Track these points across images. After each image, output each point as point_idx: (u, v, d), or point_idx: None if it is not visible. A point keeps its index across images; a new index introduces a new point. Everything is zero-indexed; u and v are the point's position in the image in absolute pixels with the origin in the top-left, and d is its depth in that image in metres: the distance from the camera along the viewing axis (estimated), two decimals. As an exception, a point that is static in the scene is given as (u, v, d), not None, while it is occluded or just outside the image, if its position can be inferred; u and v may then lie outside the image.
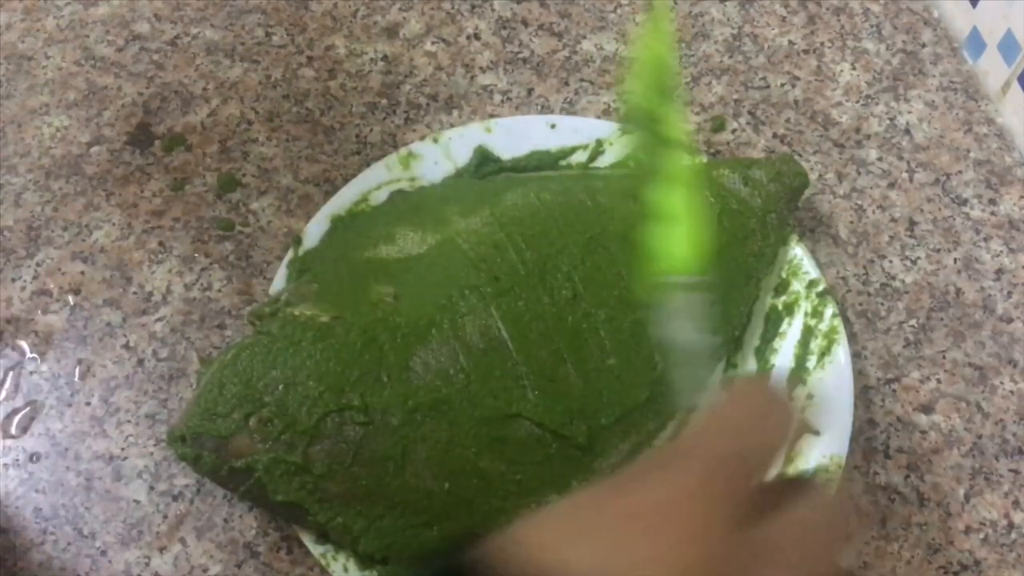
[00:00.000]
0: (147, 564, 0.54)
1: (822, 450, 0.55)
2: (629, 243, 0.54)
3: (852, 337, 0.61)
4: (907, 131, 0.70)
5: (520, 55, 0.73)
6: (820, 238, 0.65)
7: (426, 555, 0.52)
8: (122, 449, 0.57)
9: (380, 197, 0.63)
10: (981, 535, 0.56)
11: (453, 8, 0.75)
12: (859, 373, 0.60)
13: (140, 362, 0.60)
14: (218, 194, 0.66)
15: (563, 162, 0.65)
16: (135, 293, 0.62)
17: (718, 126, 0.69)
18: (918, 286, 0.64)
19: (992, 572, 0.55)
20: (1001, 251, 0.65)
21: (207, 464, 0.50)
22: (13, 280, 0.62)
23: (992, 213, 0.66)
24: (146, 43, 0.73)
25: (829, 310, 0.59)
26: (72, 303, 0.62)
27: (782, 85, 0.72)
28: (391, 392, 0.51)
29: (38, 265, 0.63)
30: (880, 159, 0.69)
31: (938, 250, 0.65)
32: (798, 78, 0.72)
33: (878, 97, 0.71)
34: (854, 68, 0.73)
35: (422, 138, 0.65)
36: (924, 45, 0.74)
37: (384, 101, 0.70)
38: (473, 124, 0.66)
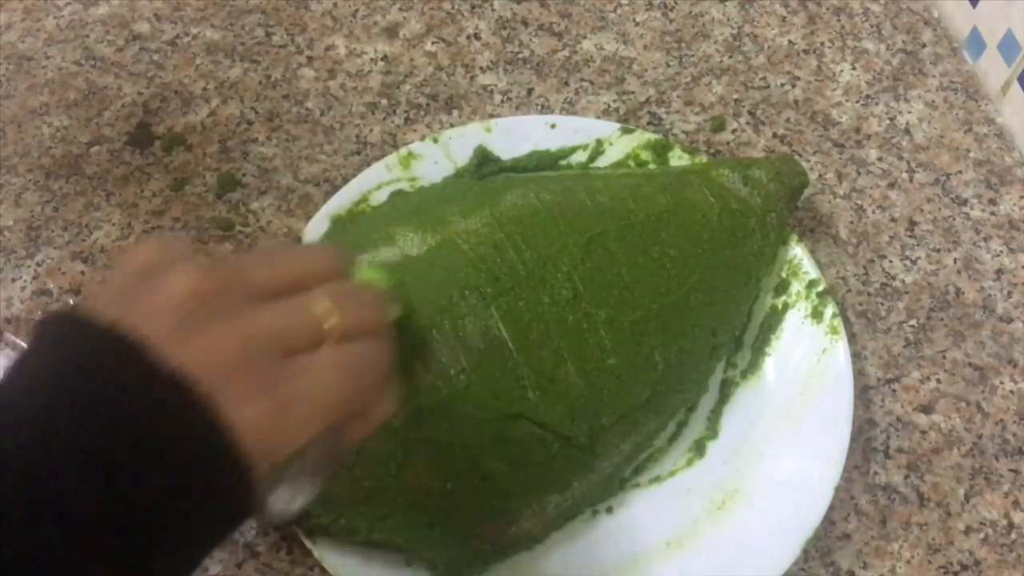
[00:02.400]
0: (147, 564, 0.54)
1: (822, 451, 0.55)
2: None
3: (852, 337, 0.61)
4: (907, 131, 0.70)
5: (520, 55, 0.73)
6: (820, 238, 0.65)
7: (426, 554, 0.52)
8: (122, 449, 0.57)
9: (380, 197, 0.63)
10: (981, 535, 0.56)
11: (453, 8, 0.75)
12: (859, 373, 0.60)
13: (140, 362, 0.60)
14: (218, 194, 0.66)
15: (563, 162, 0.65)
16: (135, 293, 0.62)
17: (718, 126, 0.69)
18: (918, 286, 0.64)
19: (992, 572, 0.55)
20: (1001, 251, 0.65)
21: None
22: (13, 280, 0.62)
23: (992, 213, 0.67)
24: (146, 43, 0.73)
25: (829, 310, 0.59)
26: (72, 303, 0.62)
27: (782, 85, 0.72)
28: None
29: (38, 265, 0.63)
30: (880, 159, 0.69)
31: (938, 250, 0.65)
32: (798, 78, 0.72)
33: (878, 97, 0.71)
34: (854, 68, 0.73)
35: (422, 138, 0.65)
36: (924, 45, 0.74)
37: (384, 101, 0.70)
38: (473, 124, 0.66)
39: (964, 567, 0.55)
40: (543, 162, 0.65)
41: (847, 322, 0.61)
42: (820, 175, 0.68)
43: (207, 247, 0.64)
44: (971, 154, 0.69)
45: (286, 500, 0.41)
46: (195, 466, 0.32)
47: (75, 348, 0.33)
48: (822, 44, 0.74)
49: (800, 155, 0.68)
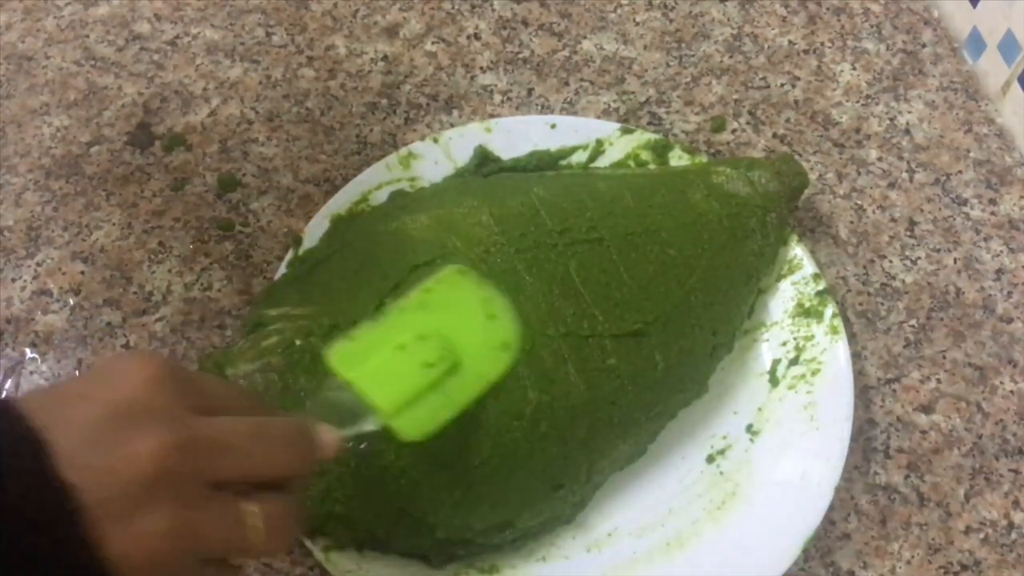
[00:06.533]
0: (147, 564, 0.54)
1: (822, 451, 0.55)
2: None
3: (852, 337, 0.61)
4: (907, 131, 0.70)
5: (520, 55, 0.73)
6: (820, 238, 0.65)
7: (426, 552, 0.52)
8: (122, 449, 0.57)
9: (380, 197, 0.63)
10: (981, 535, 0.56)
11: (453, 8, 0.75)
12: (859, 373, 0.60)
13: (140, 362, 0.60)
14: (218, 194, 0.66)
15: (563, 162, 0.65)
16: (135, 293, 0.62)
17: (718, 126, 0.69)
18: (918, 286, 0.64)
19: (992, 572, 0.55)
20: (1001, 251, 0.65)
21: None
22: (13, 280, 0.62)
23: (992, 213, 0.67)
24: (146, 43, 0.73)
25: (829, 310, 0.59)
26: (72, 303, 0.62)
27: (782, 85, 0.72)
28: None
29: (38, 265, 0.63)
30: (880, 159, 0.69)
31: (938, 250, 0.65)
32: (798, 78, 0.72)
33: (878, 97, 0.71)
34: (854, 68, 0.73)
35: (422, 138, 0.65)
36: (924, 45, 0.74)
37: (384, 101, 0.70)
38: (473, 124, 0.66)
39: (964, 567, 0.55)
40: (543, 162, 0.65)
41: (847, 322, 0.61)
42: (820, 175, 0.68)
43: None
44: (971, 154, 0.69)
45: None
46: None
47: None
48: (822, 44, 0.74)
49: (800, 155, 0.68)
